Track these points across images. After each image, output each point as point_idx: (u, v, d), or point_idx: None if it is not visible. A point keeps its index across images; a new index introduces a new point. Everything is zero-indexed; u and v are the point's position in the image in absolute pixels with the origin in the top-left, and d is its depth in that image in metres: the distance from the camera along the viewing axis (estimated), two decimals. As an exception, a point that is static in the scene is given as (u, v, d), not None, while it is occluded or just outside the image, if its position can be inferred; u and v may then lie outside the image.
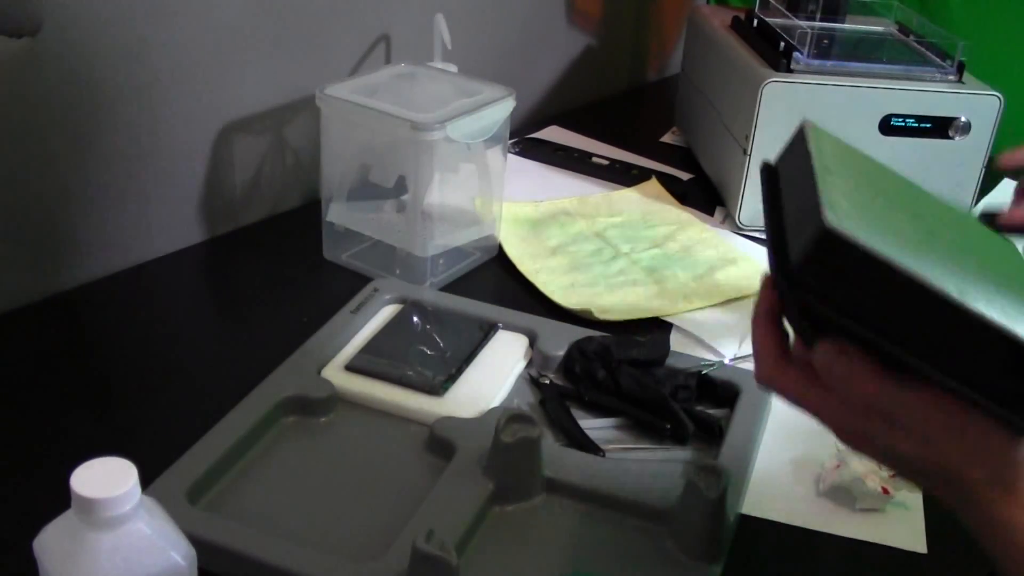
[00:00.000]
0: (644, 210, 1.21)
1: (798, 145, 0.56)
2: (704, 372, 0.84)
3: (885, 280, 0.47)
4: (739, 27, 1.28)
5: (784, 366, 0.55)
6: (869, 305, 0.49)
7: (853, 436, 0.55)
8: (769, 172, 0.57)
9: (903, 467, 0.55)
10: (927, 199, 0.59)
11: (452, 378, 0.82)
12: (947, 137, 1.11)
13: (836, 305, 0.49)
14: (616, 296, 1.00)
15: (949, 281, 0.48)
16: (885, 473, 0.76)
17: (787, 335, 0.56)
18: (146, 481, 0.52)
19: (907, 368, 0.51)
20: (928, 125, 1.11)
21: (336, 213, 1.02)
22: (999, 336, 0.48)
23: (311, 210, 1.07)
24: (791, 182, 0.55)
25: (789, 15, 1.23)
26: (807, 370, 0.54)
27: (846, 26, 1.28)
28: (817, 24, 1.22)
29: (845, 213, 0.47)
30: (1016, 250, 0.61)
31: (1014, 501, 0.53)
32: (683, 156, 1.39)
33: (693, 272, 1.06)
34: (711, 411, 0.81)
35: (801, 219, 0.49)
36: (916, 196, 0.59)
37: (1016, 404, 0.50)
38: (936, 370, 0.50)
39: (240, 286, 1.03)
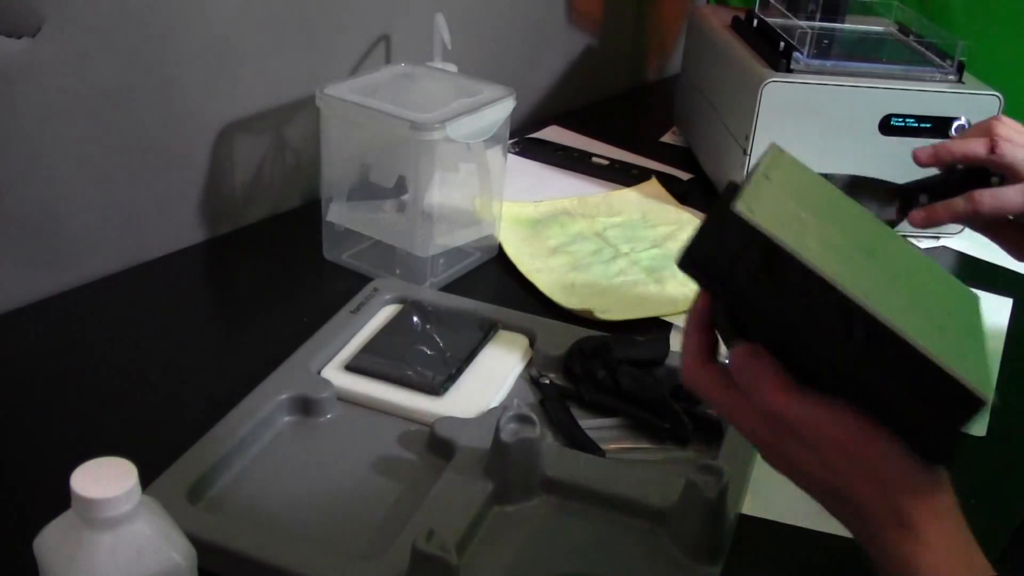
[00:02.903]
0: (644, 210, 1.21)
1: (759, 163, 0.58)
2: (704, 372, 0.84)
3: (780, 266, 0.48)
4: (739, 27, 1.28)
5: (706, 366, 0.55)
6: (766, 293, 0.50)
7: (764, 447, 0.54)
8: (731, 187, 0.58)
9: (811, 487, 0.54)
10: (890, 240, 0.60)
11: (452, 378, 0.82)
12: (947, 137, 1.11)
13: (736, 291, 0.51)
14: (616, 296, 1.00)
15: (857, 287, 0.48)
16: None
17: (716, 340, 0.56)
18: (146, 481, 0.52)
19: (822, 384, 0.50)
20: (928, 125, 1.11)
21: (336, 213, 1.02)
22: (894, 340, 0.48)
23: (311, 210, 1.07)
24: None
25: (789, 15, 1.23)
26: (727, 374, 0.54)
27: (846, 26, 1.28)
28: (817, 24, 1.23)
29: (757, 205, 0.50)
30: (972, 305, 0.61)
31: (908, 536, 0.50)
32: (683, 156, 1.38)
33: (693, 272, 1.06)
34: (711, 411, 0.81)
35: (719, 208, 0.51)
36: (874, 232, 0.60)
37: (922, 425, 0.49)
38: (831, 372, 0.50)
39: (240, 286, 1.03)
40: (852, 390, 0.50)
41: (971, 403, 0.48)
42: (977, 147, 0.81)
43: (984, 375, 0.50)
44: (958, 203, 0.80)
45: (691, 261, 0.51)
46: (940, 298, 0.58)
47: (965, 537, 0.51)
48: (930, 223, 0.81)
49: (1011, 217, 0.84)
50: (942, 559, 0.50)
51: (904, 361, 0.48)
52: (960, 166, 0.86)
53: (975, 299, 0.61)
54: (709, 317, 0.56)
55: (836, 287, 0.48)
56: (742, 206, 0.49)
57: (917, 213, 0.81)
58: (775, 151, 0.59)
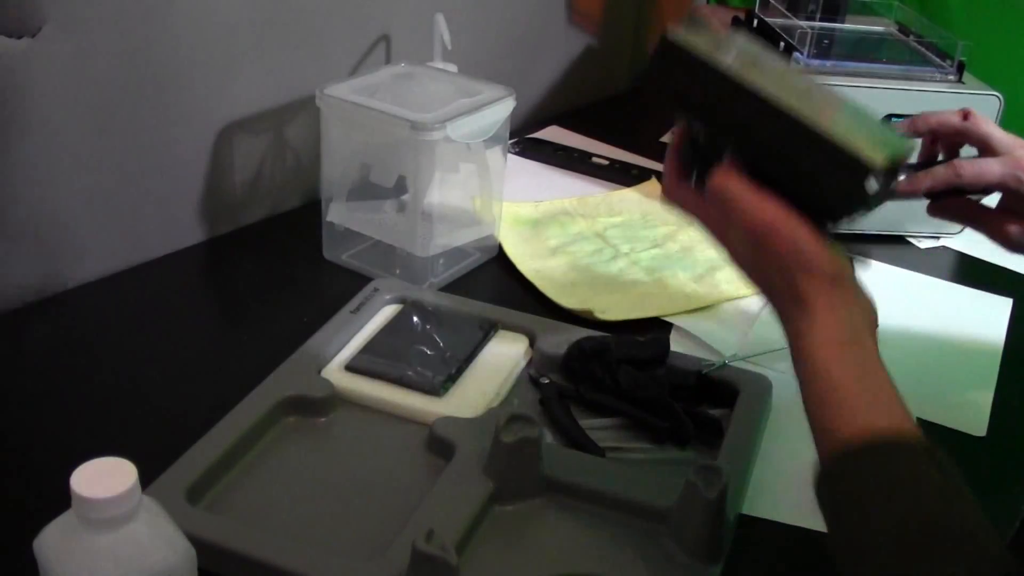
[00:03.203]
0: (644, 210, 1.21)
1: None
2: (704, 372, 0.84)
3: (710, 76, 0.62)
4: (739, 27, 1.28)
5: (680, 183, 0.69)
6: (699, 96, 0.64)
7: (712, 232, 0.65)
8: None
9: (741, 266, 0.64)
10: (827, 89, 0.69)
11: (452, 378, 0.82)
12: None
13: (678, 97, 0.66)
14: (616, 296, 1.00)
15: (766, 88, 0.61)
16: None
17: (689, 166, 0.69)
18: (146, 481, 0.52)
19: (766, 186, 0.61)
20: (928, 125, 1.11)
21: (336, 213, 1.02)
22: (790, 120, 0.59)
23: (311, 210, 1.07)
24: None
25: (789, 15, 1.23)
26: (694, 189, 0.68)
27: (846, 26, 1.28)
28: (817, 24, 1.23)
29: (687, 36, 0.63)
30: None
31: (802, 312, 0.58)
32: (683, 156, 1.38)
33: (693, 272, 1.06)
34: (711, 411, 0.81)
35: None
36: (815, 84, 0.69)
37: (825, 193, 0.60)
38: (758, 166, 0.61)
39: (240, 286, 1.03)
40: (774, 178, 0.60)
41: (858, 165, 0.58)
42: (952, 117, 0.86)
43: (881, 152, 0.59)
44: (939, 170, 0.83)
45: (637, 80, 0.64)
46: (855, 115, 0.66)
47: (856, 321, 0.59)
48: (912, 190, 0.84)
49: (991, 205, 0.85)
50: (827, 336, 0.58)
51: (802, 137, 0.59)
52: (940, 157, 0.88)
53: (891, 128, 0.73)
54: (683, 147, 0.69)
55: (744, 85, 0.60)
56: (671, 33, 0.63)
57: (900, 182, 0.84)
58: (735, 31, 0.70)
